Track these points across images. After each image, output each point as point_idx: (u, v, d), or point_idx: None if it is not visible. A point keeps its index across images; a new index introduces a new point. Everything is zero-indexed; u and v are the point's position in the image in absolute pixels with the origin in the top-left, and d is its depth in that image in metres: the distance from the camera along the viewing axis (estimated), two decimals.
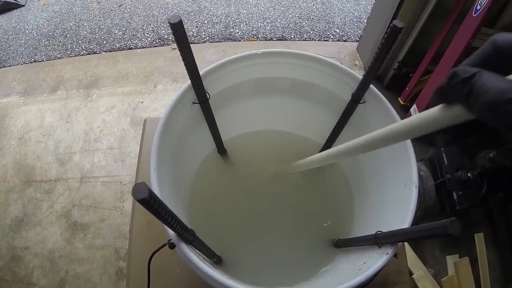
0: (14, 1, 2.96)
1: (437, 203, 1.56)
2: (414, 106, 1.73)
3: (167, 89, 2.31)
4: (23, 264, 1.69)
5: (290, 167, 0.81)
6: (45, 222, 1.80)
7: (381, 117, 0.67)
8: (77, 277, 1.64)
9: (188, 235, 0.47)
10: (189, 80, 0.61)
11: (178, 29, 0.49)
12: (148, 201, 0.33)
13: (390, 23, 0.55)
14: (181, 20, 0.48)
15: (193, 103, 0.67)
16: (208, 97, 0.66)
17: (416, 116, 0.36)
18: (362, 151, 0.51)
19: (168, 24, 2.63)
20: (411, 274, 1.54)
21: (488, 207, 1.60)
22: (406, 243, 1.41)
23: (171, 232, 0.47)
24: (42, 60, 2.62)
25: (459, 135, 0.32)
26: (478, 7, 1.35)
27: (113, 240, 1.72)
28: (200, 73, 0.61)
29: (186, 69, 0.56)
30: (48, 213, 1.83)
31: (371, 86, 0.66)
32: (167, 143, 0.61)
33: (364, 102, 0.69)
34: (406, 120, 0.38)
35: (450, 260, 1.62)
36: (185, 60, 0.54)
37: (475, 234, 1.65)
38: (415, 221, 0.50)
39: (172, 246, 0.50)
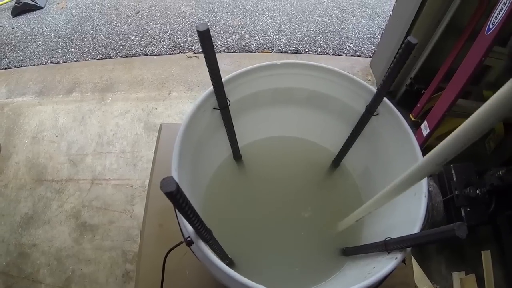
0: (33, 3, 3.03)
1: (445, 219, 1.56)
2: (425, 122, 1.73)
3: (182, 97, 2.33)
4: (30, 261, 1.72)
5: None
6: (54, 221, 1.83)
7: (394, 129, 0.69)
8: (83, 277, 1.66)
9: (206, 234, 0.49)
10: (211, 86, 0.63)
11: (205, 36, 0.51)
12: (175, 194, 0.35)
13: (404, 39, 0.57)
14: (208, 28, 0.51)
15: (214, 108, 0.69)
16: (228, 103, 0.68)
17: None
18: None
19: (184, 33, 2.72)
20: None
21: (496, 225, 1.60)
22: (412, 258, 1.41)
23: (190, 228, 0.49)
24: (59, 62, 2.67)
25: None
26: (491, 26, 1.36)
27: (121, 243, 1.74)
28: (222, 79, 0.63)
29: (210, 75, 0.59)
30: (58, 212, 1.85)
31: (385, 99, 0.68)
32: (187, 146, 0.63)
33: (378, 114, 0.71)
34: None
35: (456, 276, 1.61)
36: (209, 67, 0.57)
37: (482, 252, 1.64)
38: None
39: (189, 243, 0.52)
